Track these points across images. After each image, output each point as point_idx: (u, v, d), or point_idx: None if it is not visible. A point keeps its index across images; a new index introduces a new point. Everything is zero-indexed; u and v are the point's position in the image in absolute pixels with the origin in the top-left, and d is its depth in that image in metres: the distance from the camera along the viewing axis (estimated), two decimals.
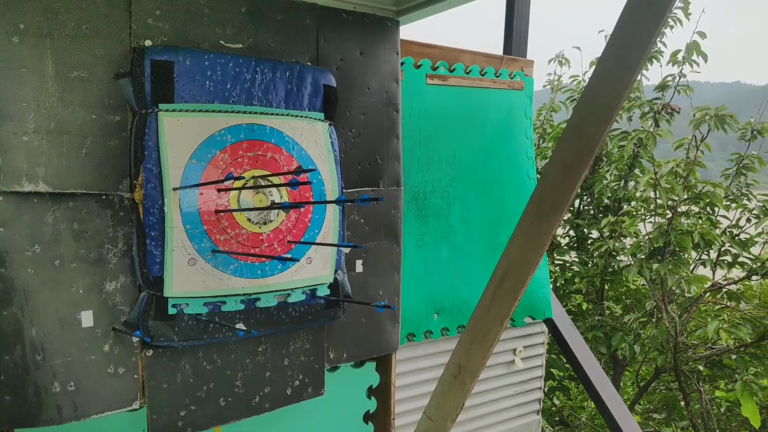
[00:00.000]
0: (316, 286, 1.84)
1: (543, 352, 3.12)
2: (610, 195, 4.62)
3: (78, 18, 1.52)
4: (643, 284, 4.64)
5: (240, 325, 1.45)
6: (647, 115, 4.35)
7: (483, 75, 2.71)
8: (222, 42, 1.74)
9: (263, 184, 1.65)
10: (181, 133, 1.59)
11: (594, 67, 1.57)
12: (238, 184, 1.62)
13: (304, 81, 1.82)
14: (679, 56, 4.23)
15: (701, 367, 4.43)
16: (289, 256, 1.66)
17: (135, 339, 1.61)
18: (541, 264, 2.98)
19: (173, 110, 1.59)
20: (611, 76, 1.56)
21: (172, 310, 1.61)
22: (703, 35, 4.12)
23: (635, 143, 4.38)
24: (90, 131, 1.56)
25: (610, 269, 4.52)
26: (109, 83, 1.58)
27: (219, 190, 1.62)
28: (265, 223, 1.70)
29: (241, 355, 1.80)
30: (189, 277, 1.60)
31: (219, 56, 1.68)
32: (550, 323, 3.13)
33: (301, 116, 1.81)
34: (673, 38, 4.48)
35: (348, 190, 2.01)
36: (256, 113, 1.71)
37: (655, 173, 4.12)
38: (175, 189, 1.57)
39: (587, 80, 4.90)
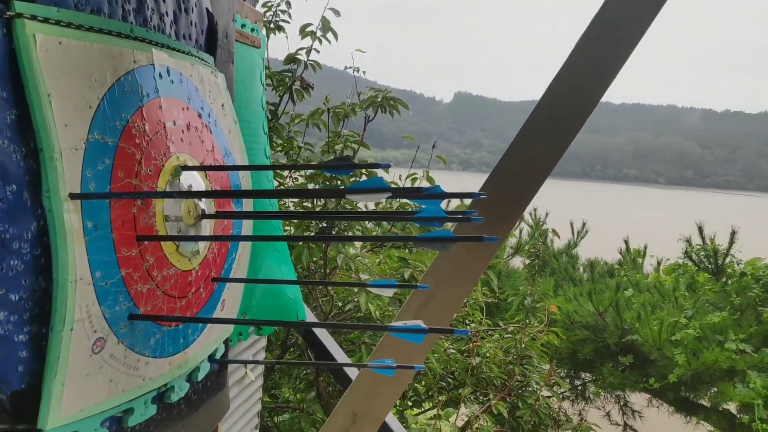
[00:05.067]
0: (217, 346, 1.11)
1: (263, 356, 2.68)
2: None
3: None
4: None
5: None
6: (279, 89, 4.15)
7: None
8: None
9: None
10: (70, 72, 0.72)
11: (573, 48, 1.33)
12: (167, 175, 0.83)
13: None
14: (309, 30, 4.15)
15: None
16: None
17: None
18: (284, 257, 2.55)
19: (45, 20, 0.70)
20: (594, 54, 1.36)
21: None
22: (337, 13, 4.13)
23: (268, 115, 4.14)
24: None
25: None
26: None
27: (140, 197, 0.80)
28: (194, 255, 0.92)
29: None
30: (90, 379, 0.75)
31: None
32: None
33: (200, 58, 1.04)
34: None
35: None
36: (163, 46, 0.90)
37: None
38: (73, 196, 0.70)
39: None
